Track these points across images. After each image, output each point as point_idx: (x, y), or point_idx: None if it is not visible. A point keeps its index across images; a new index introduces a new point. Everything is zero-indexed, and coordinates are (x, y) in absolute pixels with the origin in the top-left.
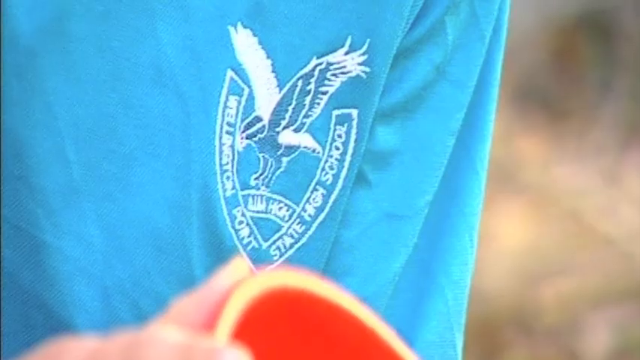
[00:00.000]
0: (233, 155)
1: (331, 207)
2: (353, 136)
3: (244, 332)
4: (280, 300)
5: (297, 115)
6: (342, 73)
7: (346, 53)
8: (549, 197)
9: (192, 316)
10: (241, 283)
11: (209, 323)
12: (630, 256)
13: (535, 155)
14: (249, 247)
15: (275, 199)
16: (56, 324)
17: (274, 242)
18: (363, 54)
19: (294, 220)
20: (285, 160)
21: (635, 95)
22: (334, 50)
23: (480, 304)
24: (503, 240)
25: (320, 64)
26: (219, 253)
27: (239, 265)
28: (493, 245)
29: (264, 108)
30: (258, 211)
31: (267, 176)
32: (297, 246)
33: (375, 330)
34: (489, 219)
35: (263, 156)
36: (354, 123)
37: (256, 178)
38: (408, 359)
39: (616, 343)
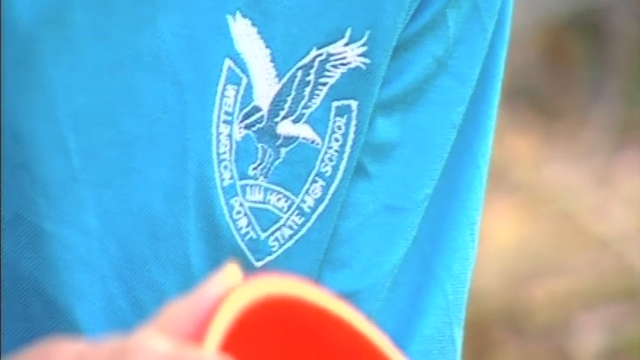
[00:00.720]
0: (231, 145)
1: (330, 199)
2: (352, 128)
3: (235, 341)
4: (272, 307)
5: (297, 106)
6: (342, 64)
7: (346, 44)
8: (541, 197)
9: (183, 323)
10: (232, 291)
11: (199, 332)
12: (622, 256)
13: (526, 155)
14: (247, 238)
15: (273, 190)
16: (55, 313)
17: (273, 233)
18: (363, 45)
19: (293, 211)
20: (283, 150)
21: (627, 95)
22: (334, 41)
23: (470, 304)
24: (494, 239)
25: (320, 55)
26: (216, 242)
27: (231, 272)
28: (484, 245)
29: (263, 98)
30: (256, 202)
31: (265, 166)
32: (296, 237)
33: (367, 336)
34: (480, 218)
35: (262, 146)
36: (354, 114)
37: (254, 168)
38: None
39: (607, 343)
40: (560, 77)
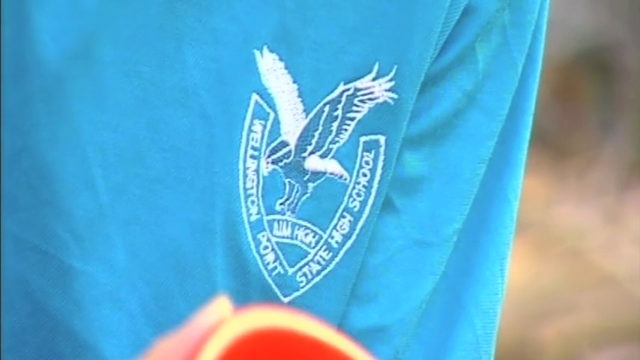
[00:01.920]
0: (258, 180)
1: (358, 234)
2: (380, 163)
3: None
4: (263, 340)
5: (324, 141)
6: (370, 99)
7: (374, 79)
8: (551, 236)
9: (172, 356)
10: (222, 324)
11: None
12: (631, 296)
13: (536, 194)
14: (275, 273)
15: (301, 225)
16: (83, 350)
17: (300, 268)
18: (391, 80)
19: (321, 246)
20: (311, 185)
21: (636, 134)
22: (362, 76)
23: None
24: None
25: (347, 89)
26: (244, 277)
27: (221, 305)
28: None
29: (291, 133)
30: (283, 237)
31: (292, 202)
32: (324, 273)
33: None
34: None
35: (289, 181)
36: (382, 149)
37: (282, 204)
38: None
39: None
40: (570, 116)
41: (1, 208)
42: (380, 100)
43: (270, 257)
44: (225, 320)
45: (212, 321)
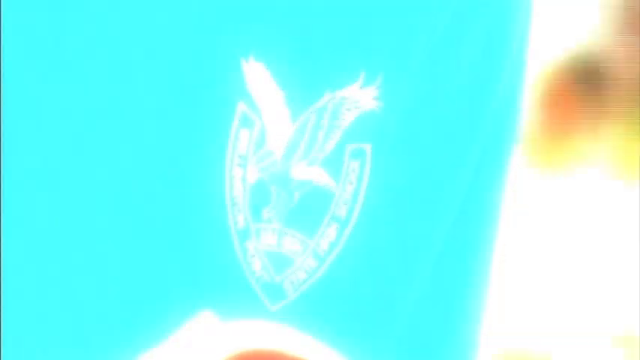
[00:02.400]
0: (244, 188)
1: (346, 242)
2: (367, 172)
3: None
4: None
5: (310, 149)
6: (356, 107)
7: (360, 88)
8: (535, 242)
9: None
10: (209, 345)
11: None
12: (614, 304)
13: (523, 201)
14: (262, 282)
15: (287, 233)
16: None
17: (287, 277)
18: (377, 89)
19: (307, 254)
20: (297, 194)
21: (624, 142)
22: (348, 85)
23: None
24: None
25: (333, 98)
26: (230, 286)
27: (206, 320)
28: None
29: (277, 142)
30: (270, 245)
31: (279, 210)
32: (310, 281)
33: None
34: None
35: (275, 189)
36: (368, 158)
37: (268, 212)
38: None
39: None
40: (557, 123)
41: (1, 208)
42: (366, 109)
43: (257, 266)
44: (212, 341)
45: (197, 337)
